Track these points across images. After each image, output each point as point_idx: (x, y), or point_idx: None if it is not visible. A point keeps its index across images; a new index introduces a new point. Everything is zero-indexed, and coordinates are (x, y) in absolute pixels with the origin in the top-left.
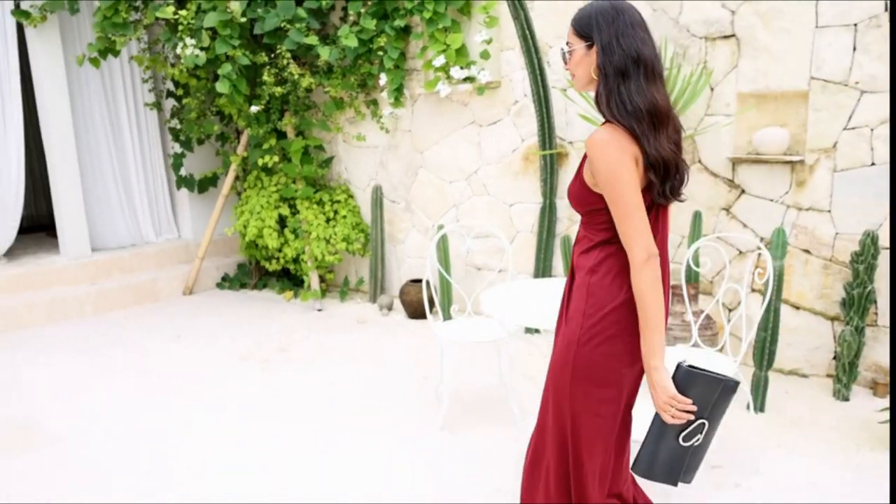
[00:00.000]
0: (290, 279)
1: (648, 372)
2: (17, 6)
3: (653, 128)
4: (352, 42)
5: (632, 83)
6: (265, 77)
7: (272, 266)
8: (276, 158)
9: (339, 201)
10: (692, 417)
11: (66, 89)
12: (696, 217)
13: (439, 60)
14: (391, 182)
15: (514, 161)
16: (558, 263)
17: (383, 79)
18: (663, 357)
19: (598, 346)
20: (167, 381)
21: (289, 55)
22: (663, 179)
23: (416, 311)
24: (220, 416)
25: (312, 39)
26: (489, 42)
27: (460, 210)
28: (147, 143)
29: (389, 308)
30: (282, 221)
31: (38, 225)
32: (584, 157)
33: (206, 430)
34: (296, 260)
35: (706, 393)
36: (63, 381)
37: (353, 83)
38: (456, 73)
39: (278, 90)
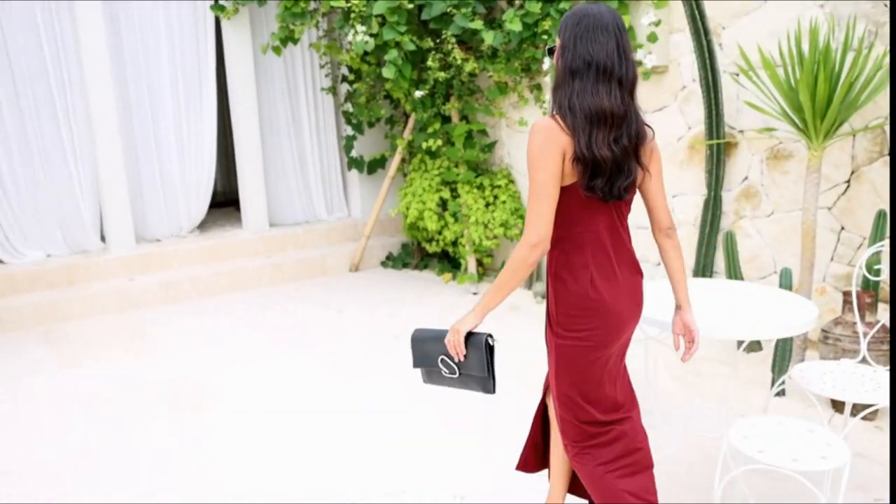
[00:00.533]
0: (450, 261)
1: (470, 311)
2: (216, 1)
3: (588, 126)
4: (516, 26)
5: (577, 83)
6: (430, 62)
7: (432, 248)
8: (439, 142)
9: (499, 186)
10: (457, 359)
11: (253, 76)
12: (880, 217)
13: None
14: None
15: (678, 150)
16: (720, 261)
17: (546, 63)
18: (485, 314)
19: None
20: (326, 352)
21: (454, 40)
22: (606, 178)
23: None
24: (370, 387)
25: (477, 24)
26: (657, 24)
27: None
28: (323, 126)
29: (543, 296)
30: (443, 204)
31: (228, 200)
32: None
33: (354, 399)
34: (454, 243)
35: (473, 364)
36: (236, 347)
37: (517, 67)
38: None
39: (442, 75)
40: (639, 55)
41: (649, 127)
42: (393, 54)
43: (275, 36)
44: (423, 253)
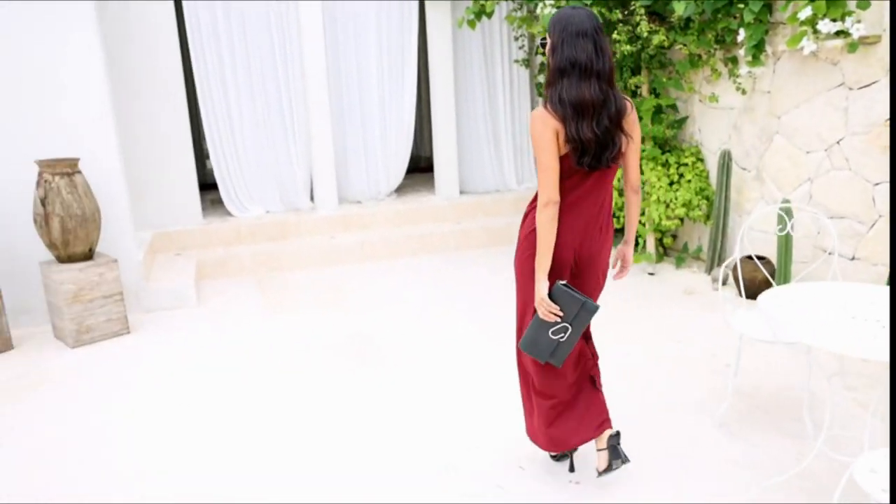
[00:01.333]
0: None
1: (536, 282)
2: None
3: (576, 115)
4: None
5: (565, 81)
6: (615, 35)
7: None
8: None
9: (685, 164)
10: (558, 319)
11: (451, 50)
12: None
13: (806, 12)
14: (743, 147)
15: (885, 132)
16: None
17: (742, 34)
18: (546, 272)
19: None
20: (491, 320)
21: (643, 11)
22: (593, 153)
23: (749, 290)
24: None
25: None
26: None
27: (815, 184)
28: (517, 98)
29: (723, 282)
30: None
31: (425, 167)
32: None
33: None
34: None
35: (570, 306)
36: (417, 306)
37: (710, 39)
38: (824, 26)
39: (628, 48)
40: (846, 24)
41: (627, 100)
42: None
43: (469, 10)
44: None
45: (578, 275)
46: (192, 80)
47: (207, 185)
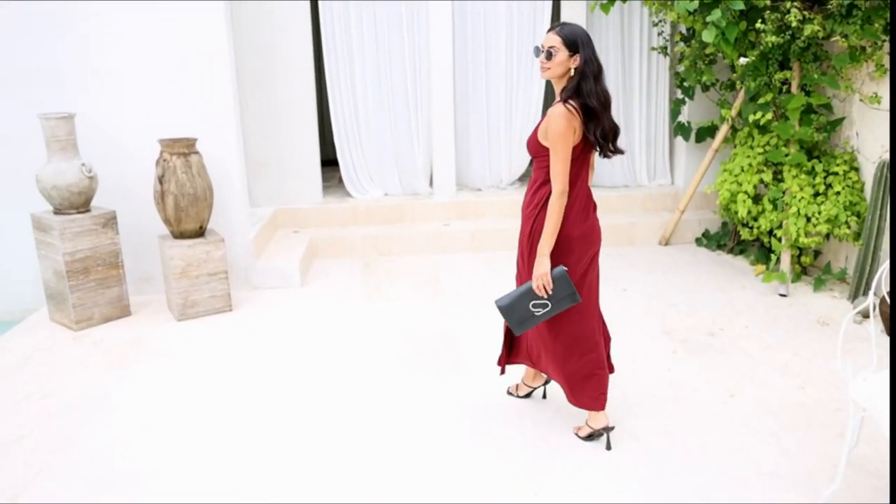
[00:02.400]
0: (770, 251)
1: (538, 257)
2: None
3: (602, 109)
4: None
5: (599, 84)
6: (759, 24)
7: (745, 234)
8: (769, 115)
9: (835, 174)
10: (545, 296)
11: None
12: None
13: None
14: None
15: None
16: None
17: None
18: (549, 251)
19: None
20: None
21: None
22: (611, 140)
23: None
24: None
25: None
26: None
27: None
28: (655, 88)
29: (865, 315)
30: (765, 187)
31: None
32: (543, 119)
33: None
34: (771, 233)
35: (562, 290)
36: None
37: (877, 29)
38: None
39: (773, 39)
40: None
41: None
42: (716, 14)
43: None
44: (741, 236)
45: (590, 260)
46: (321, 61)
47: (331, 161)
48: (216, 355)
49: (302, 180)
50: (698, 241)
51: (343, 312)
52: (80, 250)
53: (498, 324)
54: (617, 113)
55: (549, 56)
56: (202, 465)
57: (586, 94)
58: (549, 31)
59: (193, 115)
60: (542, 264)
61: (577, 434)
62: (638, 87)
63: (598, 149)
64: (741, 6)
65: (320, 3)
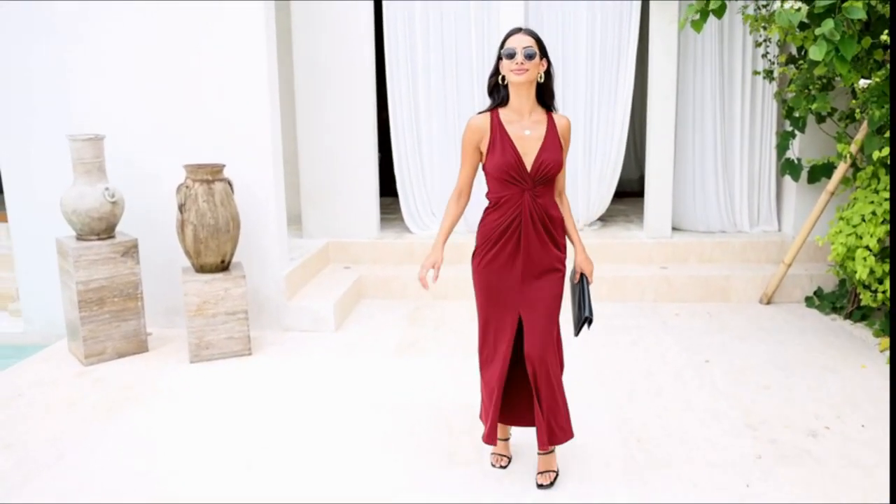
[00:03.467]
0: None
1: (585, 250)
2: None
3: None
4: None
5: None
6: (884, 37)
7: (866, 298)
8: None
9: None
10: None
11: (674, 54)
12: None
13: None
14: None
15: None
16: None
17: None
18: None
19: None
20: (626, 416)
21: None
22: None
23: None
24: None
25: None
26: None
27: None
28: (759, 119)
29: None
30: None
31: (633, 191)
32: (555, 131)
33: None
34: None
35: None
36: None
37: None
38: None
39: None
40: None
41: None
42: (828, 25)
43: (692, 8)
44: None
45: None
46: (382, 87)
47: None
48: (213, 407)
49: (358, 212)
50: (808, 302)
51: (368, 368)
52: (95, 279)
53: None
54: (714, 146)
55: (531, 57)
56: None
57: (555, 99)
58: (518, 32)
59: (229, 140)
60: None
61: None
62: (739, 118)
63: None
64: (861, 15)
65: (385, 26)
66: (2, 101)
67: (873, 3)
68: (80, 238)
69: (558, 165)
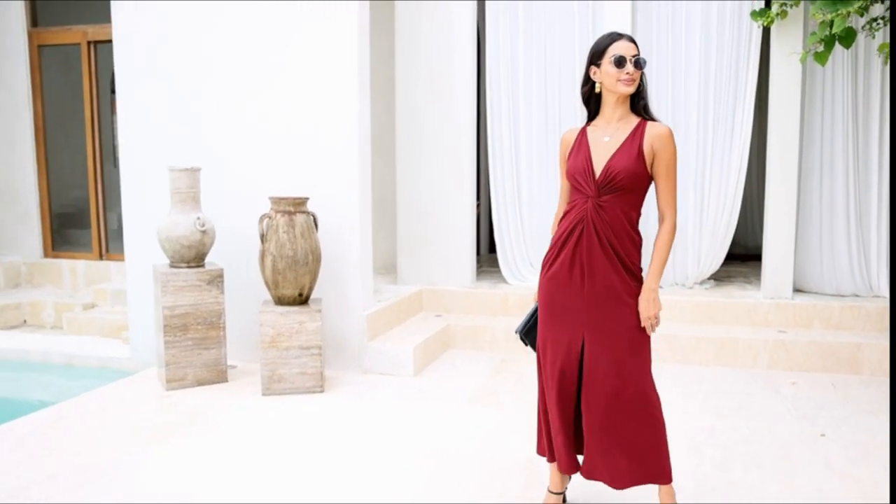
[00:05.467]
0: None
1: (651, 293)
2: (768, 4)
3: None
4: None
5: None
6: None
7: None
8: None
9: None
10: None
11: (797, 93)
12: None
13: None
14: None
15: None
16: None
17: None
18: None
19: None
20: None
21: None
22: None
23: None
24: None
25: None
26: None
27: None
28: None
29: None
30: None
31: (741, 253)
32: (639, 138)
33: None
34: None
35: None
36: None
37: None
38: None
39: None
40: None
41: None
42: None
43: (813, 37)
44: None
45: None
46: (481, 138)
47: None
48: (269, 440)
49: (453, 260)
50: None
51: (437, 415)
52: (181, 305)
53: None
54: (847, 196)
55: (640, 66)
56: None
57: (646, 107)
58: (620, 38)
59: (320, 179)
60: (657, 301)
61: None
62: (877, 164)
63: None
64: None
65: (487, 77)
66: (126, 140)
67: None
68: (172, 265)
69: (628, 175)
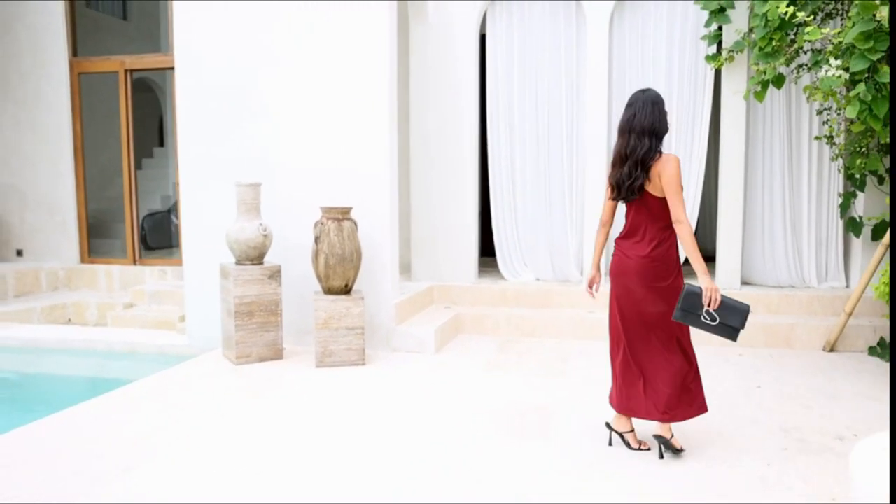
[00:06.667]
0: None
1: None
2: (719, 50)
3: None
4: None
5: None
6: None
7: None
8: None
9: None
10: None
11: (742, 122)
12: None
13: None
14: None
15: None
16: None
17: None
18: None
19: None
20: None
21: None
22: (617, 189)
23: None
24: None
25: None
26: None
27: None
28: (826, 180)
29: None
30: None
31: (709, 257)
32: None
33: None
34: None
35: (733, 316)
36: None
37: None
38: None
39: None
40: None
41: (660, 152)
42: (859, 88)
43: (753, 80)
44: None
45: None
46: (484, 148)
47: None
48: (333, 398)
49: (459, 261)
50: (871, 351)
51: (458, 379)
52: (248, 295)
53: (600, 404)
54: (783, 206)
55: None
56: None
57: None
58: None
59: (356, 190)
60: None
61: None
62: (807, 180)
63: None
64: (887, 79)
65: (488, 104)
66: (186, 156)
67: None
68: (238, 263)
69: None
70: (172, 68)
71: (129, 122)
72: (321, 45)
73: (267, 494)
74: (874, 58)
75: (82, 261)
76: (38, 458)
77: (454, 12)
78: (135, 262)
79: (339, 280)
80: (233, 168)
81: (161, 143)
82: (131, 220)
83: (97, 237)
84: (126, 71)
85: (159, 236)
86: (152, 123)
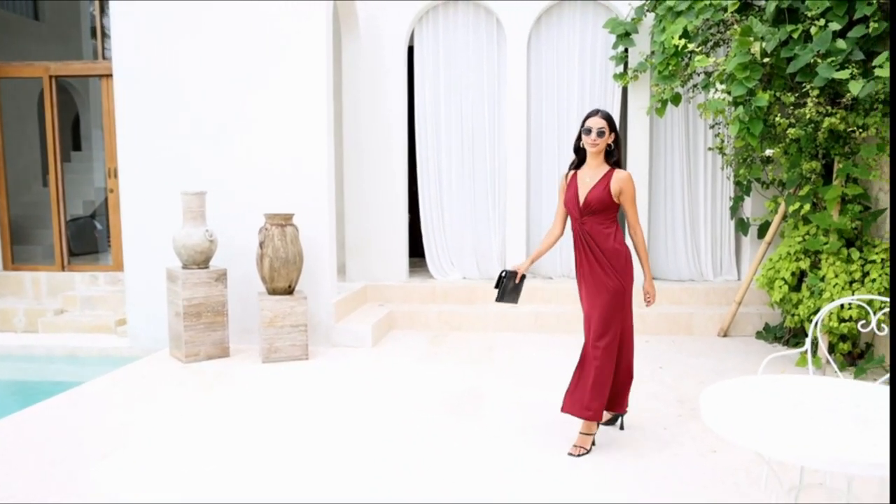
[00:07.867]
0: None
1: (651, 279)
2: (625, 70)
3: None
4: (884, 72)
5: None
6: (776, 118)
7: (788, 321)
8: (807, 207)
9: (873, 261)
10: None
11: (647, 134)
12: None
13: None
14: None
15: None
16: None
17: None
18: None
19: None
20: None
21: (816, 93)
22: None
23: None
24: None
25: (843, 74)
26: None
27: None
28: (720, 186)
29: None
30: (803, 276)
31: None
32: (608, 180)
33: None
34: (811, 320)
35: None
36: (545, 377)
37: None
38: None
39: (793, 131)
40: None
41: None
42: (739, 111)
43: (653, 98)
44: (797, 328)
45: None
46: (413, 155)
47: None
48: (283, 389)
49: (391, 262)
50: (758, 335)
51: (396, 369)
52: (196, 297)
53: (523, 384)
54: (683, 209)
55: (601, 135)
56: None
57: (620, 161)
58: (593, 115)
59: (298, 198)
60: (653, 284)
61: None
62: (703, 185)
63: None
64: (763, 103)
65: (416, 114)
66: (127, 163)
67: (778, 94)
68: (185, 267)
69: (598, 202)
70: (101, 76)
71: (54, 128)
72: (263, 59)
73: (228, 480)
74: (750, 85)
75: (5, 268)
76: None
77: (383, 27)
78: (63, 268)
79: (283, 281)
80: (175, 175)
81: (78, 147)
82: (59, 225)
83: (18, 244)
84: (51, 77)
85: (83, 242)
86: (68, 126)
